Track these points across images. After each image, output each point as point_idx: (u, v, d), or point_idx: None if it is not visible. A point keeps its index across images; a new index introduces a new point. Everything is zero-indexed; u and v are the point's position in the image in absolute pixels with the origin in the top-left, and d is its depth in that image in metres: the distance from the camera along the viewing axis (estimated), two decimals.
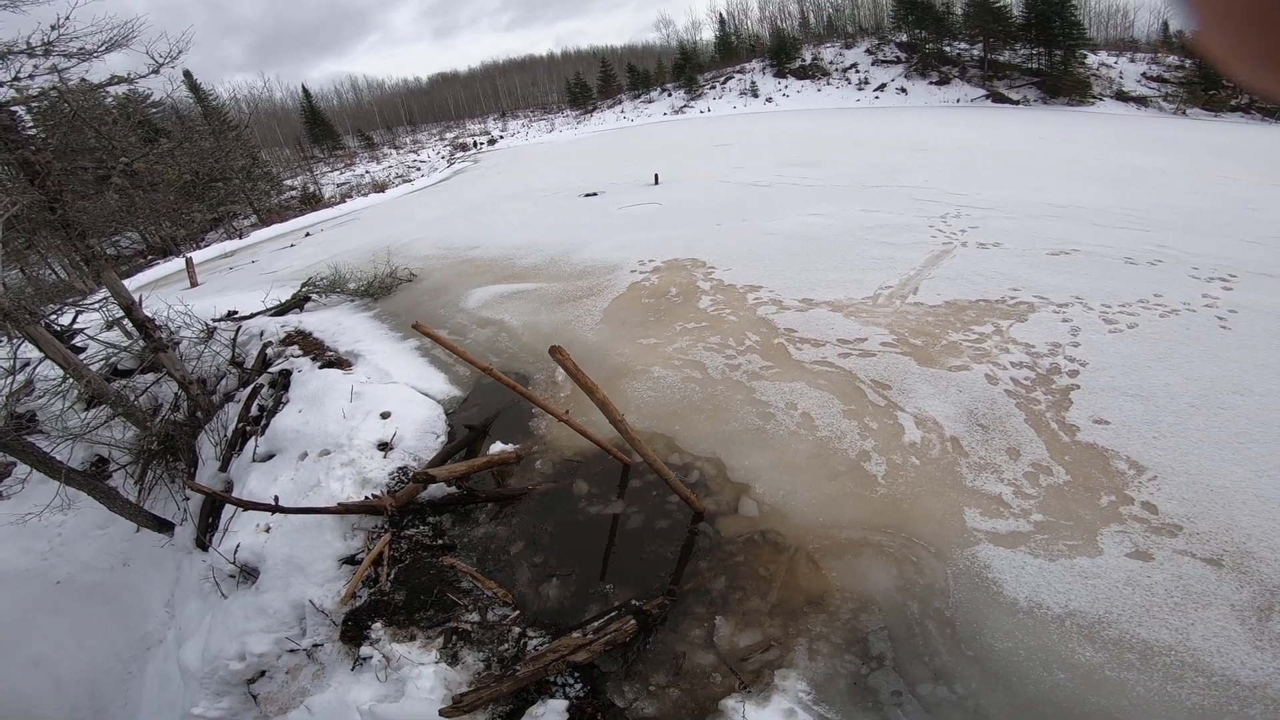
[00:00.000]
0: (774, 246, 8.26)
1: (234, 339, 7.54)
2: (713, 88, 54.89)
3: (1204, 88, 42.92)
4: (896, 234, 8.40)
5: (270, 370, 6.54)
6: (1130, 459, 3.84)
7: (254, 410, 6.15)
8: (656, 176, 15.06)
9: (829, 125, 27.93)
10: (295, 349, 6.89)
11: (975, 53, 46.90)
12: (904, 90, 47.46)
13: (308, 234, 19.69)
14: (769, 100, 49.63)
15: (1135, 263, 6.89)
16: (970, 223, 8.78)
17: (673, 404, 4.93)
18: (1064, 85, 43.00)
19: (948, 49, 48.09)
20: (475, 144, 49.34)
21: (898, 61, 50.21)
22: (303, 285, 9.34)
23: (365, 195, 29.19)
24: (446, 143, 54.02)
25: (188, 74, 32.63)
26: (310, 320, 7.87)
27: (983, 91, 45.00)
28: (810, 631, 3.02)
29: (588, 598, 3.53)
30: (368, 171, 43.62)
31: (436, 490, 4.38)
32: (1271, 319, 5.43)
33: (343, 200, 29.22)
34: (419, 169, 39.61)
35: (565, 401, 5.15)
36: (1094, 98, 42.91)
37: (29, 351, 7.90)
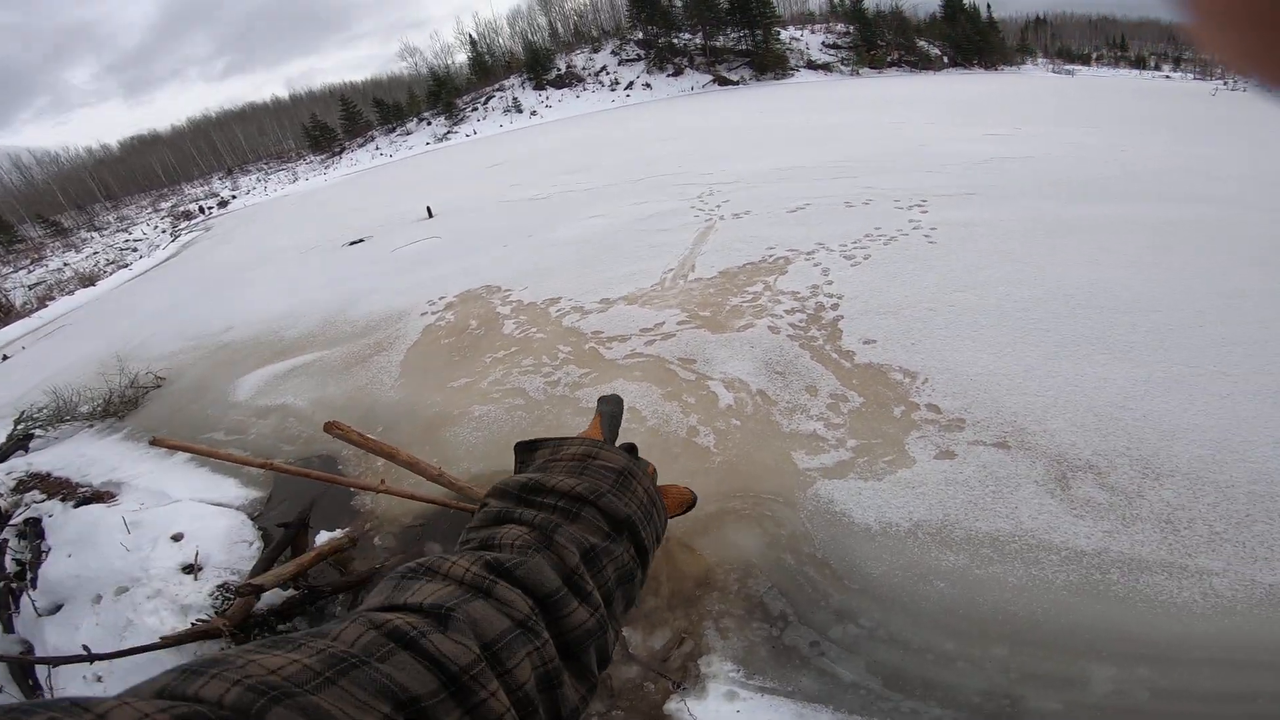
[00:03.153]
0: (563, 255, 8.35)
1: None
2: (475, 109, 54.04)
3: (866, 50, 53.06)
4: (666, 220, 9.03)
5: (11, 523, 5.45)
6: (902, 368, 4.44)
7: (10, 566, 5.10)
8: (429, 209, 14.32)
9: (591, 129, 29.12)
10: (35, 493, 5.77)
11: (698, 41, 52.46)
12: (649, 85, 51.33)
13: (4, 357, 15.29)
14: (534, 114, 50.31)
15: (853, 205, 8.22)
16: (723, 198, 9.76)
17: (503, 438, 4.73)
18: (769, 61, 50.16)
19: (676, 41, 53.09)
20: (202, 209, 42.49)
21: (639, 59, 54.17)
22: (17, 423, 7.25)
23: (71, 293, 23.49)
24: (164, 213, 45.81)
25: None
26: (43, 459, 6.30)
27: (709, 77, 50.48)
28: (711, 611, 3.04)
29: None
30: (66, 264, 35.23)
31: (273, 598, 3.86)
32: (962, 228, 6.85)
33: (42, 305, 23.20)
34: (135, 249, 32.96)
35: (383, 470, 4.65)
36: (792, 69, 50.66)
37: None
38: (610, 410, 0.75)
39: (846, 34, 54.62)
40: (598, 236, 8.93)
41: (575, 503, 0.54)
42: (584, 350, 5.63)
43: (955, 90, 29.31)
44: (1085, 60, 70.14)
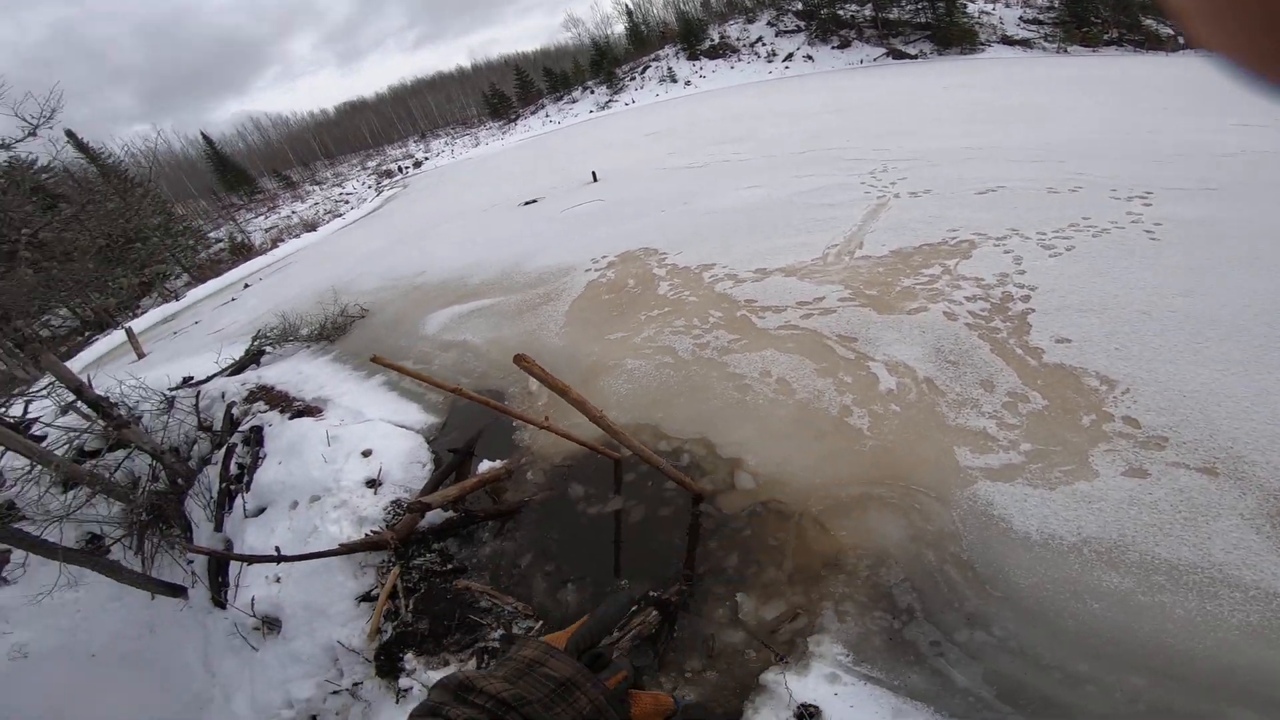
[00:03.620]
0: (719, 223, 8.37)
1: (196, 405, 7.28)
2: (632, 79, 55.11)
3: (1077, 25, 45.43)
4: (832, 195, 8.63)
5: (240, 429, 6.37)
6: (1100, 374, 3.95)
7: (233, 469, 6.01)
8: (594, 174, 15.03)
9: (747, 100, 28.37)
10: (261, 404, 6.71)
11: (867, 13, 48.40)
12: (810, 58, 48.60)
13: (246, 285, 18.89)
14: (688, 83, 50.14)
15: (1058, 191, 7.26)
16: (898, 175, 9.09)
17: (651, 392, 4.95)
18: (953, 35, 44.86)
19: (841, 12, 49.47)
20: (400, 169, 48.16)
21: (798, 30, 51.38)
22: (253, 339, 8.98)
23: (297, 236, 28.16)
24: (370, 171, 52.55)
25: (70, 133, 30.67)
26: (270, 374, 7.61)
27: (882, 50, 46.53)
28: (833, 594, 3.00)
29: (606, 597, 3.54)
30: (294, 212, 42.04)
31: (435, 517, 4.35)
32: (1193, 226, 5.81)
33: (275, 245, 28.11)
34: (347, 202, 38.41)
35: (544, 409, 5.12)
36: (982, 44, 44.89)
37: None
38: (605, 611, 0.77)
39: (1050, 8, 47.02)
40: (756, 207, 8.81)
41: (501, 707, 0.59)
42: (735, 317, 5.67)
43: (1194, 74, 24.22)
44: None
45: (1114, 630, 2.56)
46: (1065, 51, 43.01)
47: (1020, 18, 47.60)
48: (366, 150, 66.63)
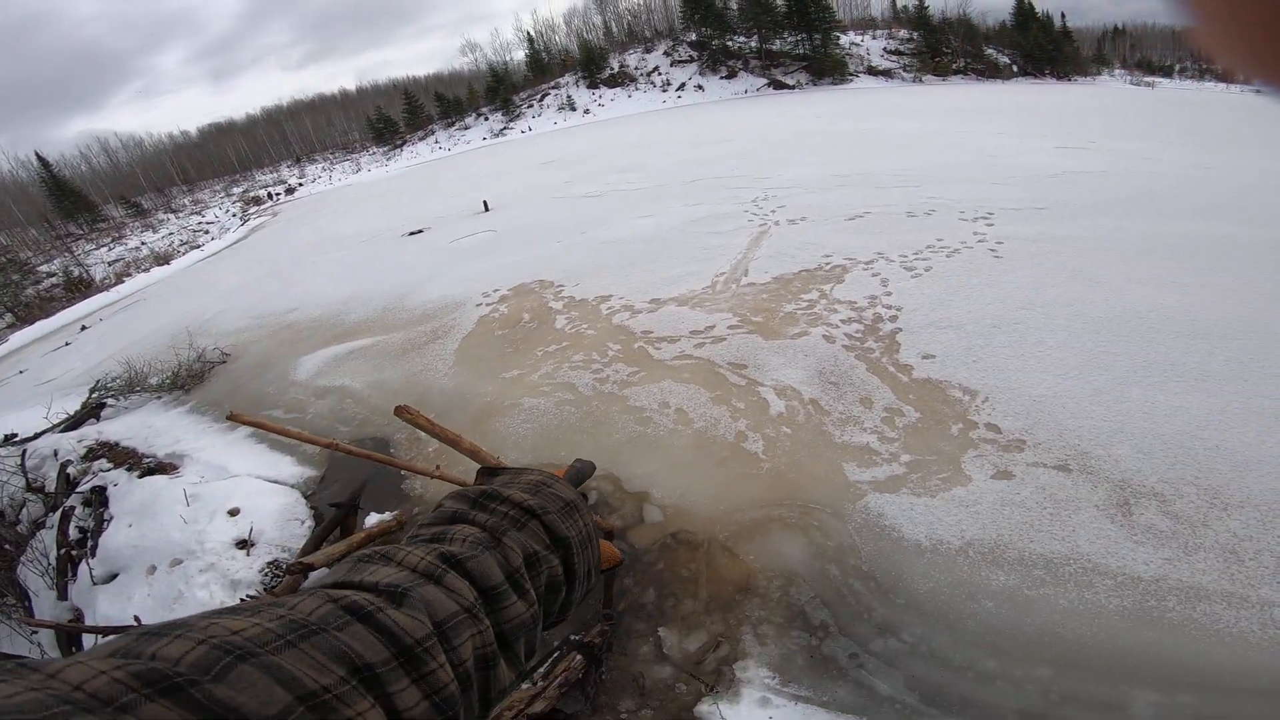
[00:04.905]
0: (615, 253, 8.43)
1: (22, 464, 6.28)
2: (530, 106, 55.04)
3: (931, 56, 51.48)
4: (719, 223, 8.99)
5: (79, 490, 5.65)
6: (962, 385, 4.32)
7: (73, 534, 5.31)
8: (486, 203, 14.68)
9: (643, 129, 29.26)
10: (103, 462, 5.97)
11: (753, 44, 51.93)
12: (701, 87, 51.17)
13: (84, 327, 16.42)
14: (586, 112, 50.88)
15: (915, 215, 8.02)
16: (778, 202, 9.66)
17: (551, 431, 4.82)
18: (826, 66, 49.23)
19: (730, 44, 52.73)
20: (271, 195, 44.54)
21: (691, 60, 54.06)
22: (91, 391, 7.78)
23: (146, 270, 25.08)
24: (235, 198, 48.24)
25: None
26: (113, 428, 6.68)
27: (764, 80, 49.96)
28: (750, 618, 3.05)
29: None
30: (143, 243, 37.62)
31: (321, 576, 3.96)
32: (1030, 244, 6.60)
33: (119, 280, 24.89)
34: (208, 231, 34.93)
35: (434, 455, 4.81)
36: (851, 75, 49.59)
37: None
38: (580, 466, 0.82)
39: (910, 40, 53.17)
40: (649, 236, 8.98)
41: (524, 514, 0.59)
42: (633, 349, 5.68)
43: (1025, 100, 28.18)
44: (1168, 72, 66.26)
45: (1009, 626, 2.75)
46: (920, 81, 48.40)
47: (884, 49, 52.96)
48: (232, 176, 61.25)
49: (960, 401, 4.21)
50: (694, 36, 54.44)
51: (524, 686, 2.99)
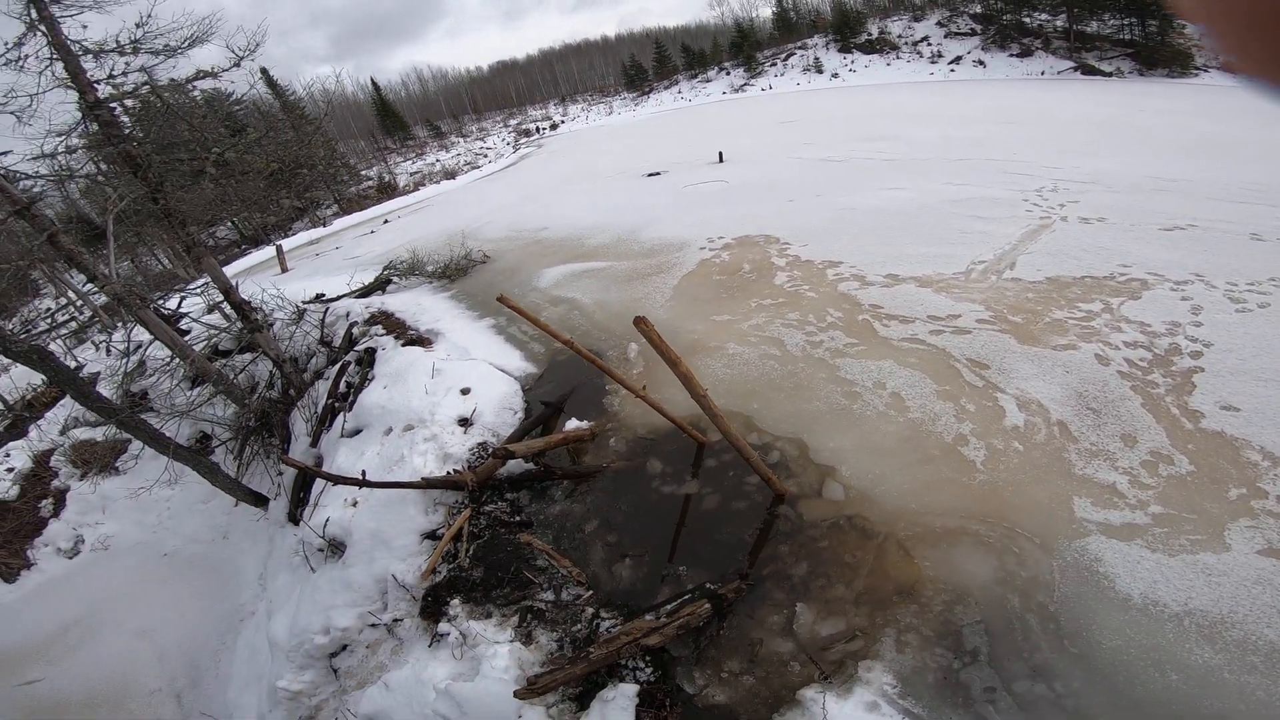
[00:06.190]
0: (853, 222, 7.91)
1: (322, 319, 7.94)
2: (773, 64, 53.19)
3: None
4: (987, 208, 7.87)
5: (356, 349, 6.83)
6: (1265, 449, 3.44)
7: (342, 387, 6.42)
8: (721, 155, 14.75)
9: (902, 99, 26.52)
10: (379, 328, 7.17)
11: (1058, 24, 43.19)
12: (981, 63, 44.41)
13: (386, 221, 20.59)
14: (835, 76, 47.69)
15: (1263, 239, 6.17)
16: (1069, 196, 8.11)
17: (750, 382, 4.81)
18: (1162, 56, 39.01)
19: (1027, 20, 44.52)
20: (538, 129, 49.98)
21: (972, 34, 46.96)
22: (384, 268, 9.79)
23: (437, 183, 30.20)
24: (510, 129, 54.96)
25: (264, 71, 34.47)
26: (392, 301, 8.18)
27: (1070, 64, 41.44)
28: (899, 622, 2.88)
29: (661, 579, 3.47)
30: (438, 160, 44.98)
31: (515, 466, 4.43)
32: None
33: (416, 188, 30.35)
34: (486, 155, 40.51)
35: (639, 378, 5.12)
36: (1196, 69, 38.72)
37: (140, 335, 8.63)
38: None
39: None
40: (897, 210, 8.22)
41: None
42: (856, 320, 5.35)
43: None
44: None
45: (1180, 703, 2.44)
46: None
47: None
48: (510, 109, 69.61)
49: (1255, 465, 3.36)
50: (978, 8, 46.83)
51: (646, 618, 3.11)
